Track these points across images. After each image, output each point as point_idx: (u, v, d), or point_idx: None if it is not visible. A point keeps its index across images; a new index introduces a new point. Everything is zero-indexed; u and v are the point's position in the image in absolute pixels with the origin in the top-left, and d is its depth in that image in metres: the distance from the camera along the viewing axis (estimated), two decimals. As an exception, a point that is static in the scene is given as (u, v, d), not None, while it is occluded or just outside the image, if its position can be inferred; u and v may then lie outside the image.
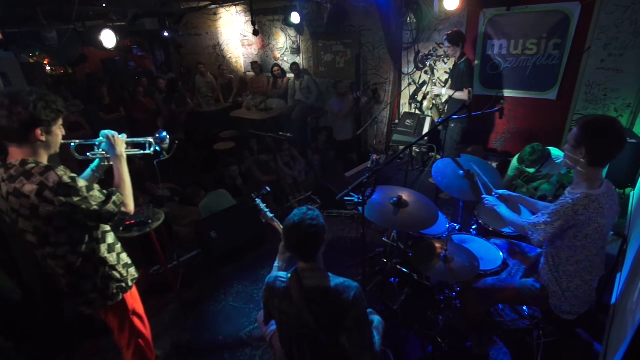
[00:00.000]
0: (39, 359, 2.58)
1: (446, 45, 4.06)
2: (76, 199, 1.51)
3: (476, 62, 4.70)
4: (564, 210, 1.70)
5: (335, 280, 1.53)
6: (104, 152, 1.79)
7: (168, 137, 2.02)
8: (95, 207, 1.56)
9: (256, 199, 2.34)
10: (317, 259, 1.56)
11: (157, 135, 2.00)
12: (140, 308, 2.01)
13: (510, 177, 3.63)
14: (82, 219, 1.58)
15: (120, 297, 1.82)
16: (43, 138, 1.51)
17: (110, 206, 1.61)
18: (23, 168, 1.47)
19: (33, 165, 1.49)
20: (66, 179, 1.49)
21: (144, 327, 2.04)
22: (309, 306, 1.48)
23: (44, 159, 1.57)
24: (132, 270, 1.92)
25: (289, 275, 1.58)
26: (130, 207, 1.72)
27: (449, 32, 4.05)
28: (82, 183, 1.55)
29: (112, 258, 1.79)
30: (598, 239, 1.72)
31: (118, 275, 1.81)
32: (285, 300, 1.55)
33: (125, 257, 1.90)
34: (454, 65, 4.25)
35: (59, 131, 1.59)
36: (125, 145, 1.81)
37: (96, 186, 1.62)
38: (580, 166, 1.73)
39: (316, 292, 1.50)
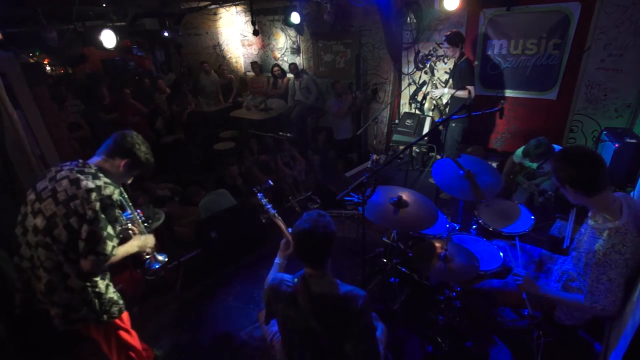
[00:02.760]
0: (39, 358, 2.58)
1: (445, 46, 4.07)
2: (103, 216, 1.64)
3: (476, 62, 4.70)
4: (607, 257, 1.57)
5: (344, 287, 1.49)
6: (126, 224, 2.00)
7: (159, 267, 2.14)
8: (104, 235, 1.65)
9: (258, 193, 2.28)
10: (325, 265, 1.52)
11: (155, 259, 2.14)
12: (126, 322, 1.97)
13: (510, 164, 3.59)
14: (82, 234, 1.60)
15: (78, 326, 1.76)
16: (121, 170, 1.76)
17: (109, 247, 1.67)
18: (96, 173, 1.69)
19: (103, 176, 1.70)
20: (116, 197, 1.69)
21: (131, 338, 2.00)
22: (316, 313, 1.45)
23: None
24: (115, 309, 1.85)
25: (296, 280, 1.54)
26: (103, 270, 1.76)
27: (448, 33, 4.06)
28: (117, 214, 1.74)
29: (101, 284, 1.78)
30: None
31: (97, 305, 1.75)
32: (291, 306, 1.51)
33: (112, 292, 1.85)
34: (454, 65, 4.25)
35: (130, 178, 1.85)
36: (142, 244, 1.98)
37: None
38: (583, 201, 1.66)
39: (324, 299, 1.46)
